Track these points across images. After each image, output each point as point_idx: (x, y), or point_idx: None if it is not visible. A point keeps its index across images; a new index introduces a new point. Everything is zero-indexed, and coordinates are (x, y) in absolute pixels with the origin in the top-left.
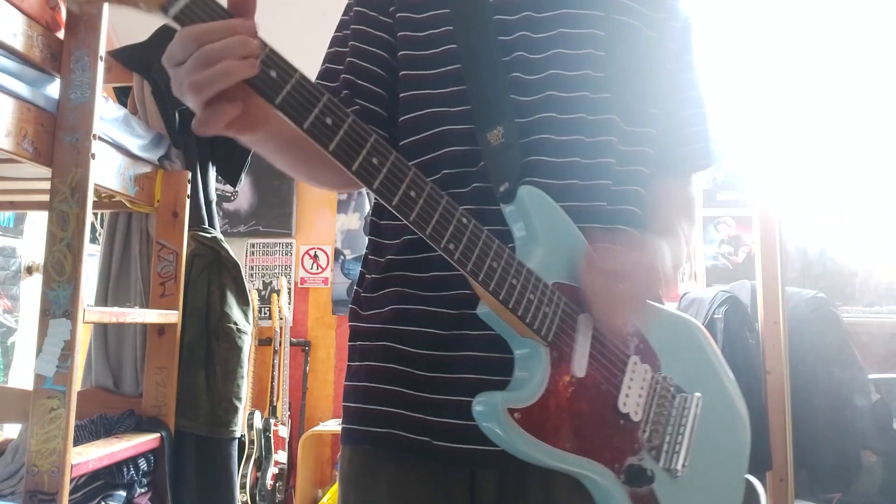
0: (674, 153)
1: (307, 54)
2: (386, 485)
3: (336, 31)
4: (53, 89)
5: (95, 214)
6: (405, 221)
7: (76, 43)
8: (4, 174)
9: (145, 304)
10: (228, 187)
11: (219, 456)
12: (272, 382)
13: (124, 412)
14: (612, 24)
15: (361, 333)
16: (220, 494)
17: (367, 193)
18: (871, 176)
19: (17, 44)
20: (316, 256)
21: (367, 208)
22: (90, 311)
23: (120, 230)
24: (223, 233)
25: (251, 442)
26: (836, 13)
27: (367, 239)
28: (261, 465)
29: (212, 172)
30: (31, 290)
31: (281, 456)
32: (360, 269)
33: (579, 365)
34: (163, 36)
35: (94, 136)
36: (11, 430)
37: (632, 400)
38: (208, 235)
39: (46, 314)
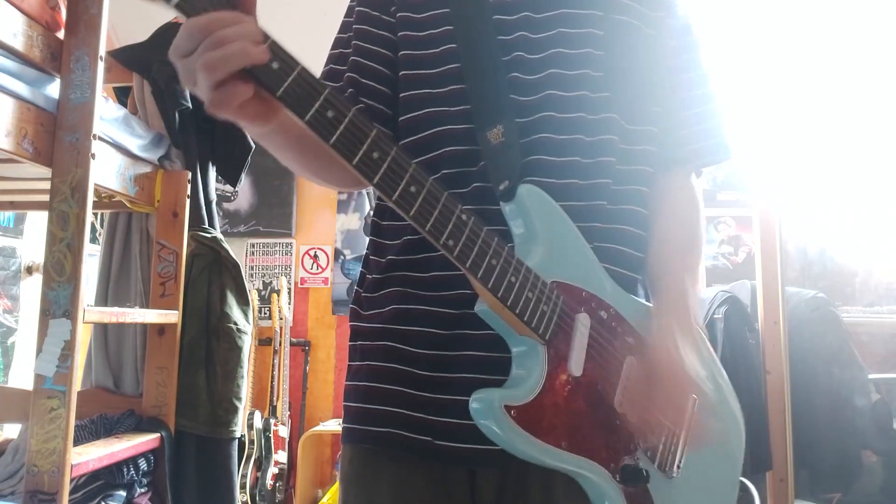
0: (674, 153)
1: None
2: (387, 484)
3: (339, 33)
4: (53, 89)
5: (95, 214)
6: (405, 216)
7: (76, 43)
8: (4, 174)
9: (145, 304)
10: (228, 187)
11: (219, 456)
12: (272, 382)
13: (124, 412)
14: (610, 24)
15: (362, 333)
16: (220, 494)
17: (368, 194)
18: (871, 176)
19: (17, 44)
20: (316, 256)
21: (367, 208)
22: (90, 311)
23: (120, 230)
24: (223, 233)
25: (251, 442)
26: (836, 13)
27: (367, 239)
28: (261, 465)
29: (212, 172)
30: (31, 290)
31: (281, 456)
32: (360, 269)
33: (576, 364)
34: (163, 36)
35: (94, 136)
36: (11, 430)
37: (628, 400)
38: (208, 235)
39: (46, 314)
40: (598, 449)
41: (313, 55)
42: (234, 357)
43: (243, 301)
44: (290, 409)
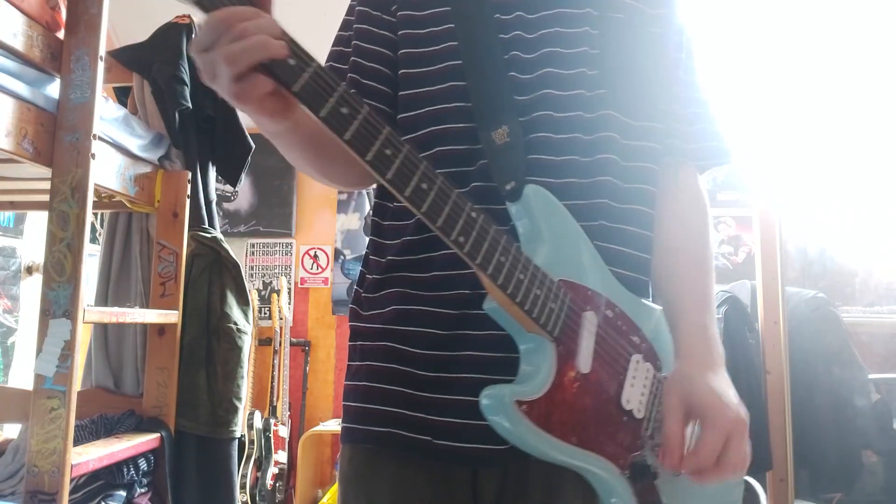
0: (677, 148)
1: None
2: (387, 484)
3: (339, 31)
4: (53, 89)
5: (95, 214)
6: (416, 212)
7: (76, 43)
8: (4, 174)
9: (145, 304)
10: (228, 187)
11: (219, 456)
12: (272, 382)
13: (125, 412)
14: (607, 22)
15: (362, 333)
16: (220, 494)
17: (368, 194)
18: (870, 176)
19: (17, 44)
20: (316, 256)
21: (367, 208)
22: (90, 311)
23: (120, 230)
24: (223, 233)
25: (251, 442)
26: (836, 13)
27: (367, 239)
28: (261, 465)
29: (212, 172)
30: (31, 290)
31: (281, 456)
32: (360, 269)
33: (584, 361)
34: (163, 36)
35: (94, 136)
36: (11, 430)
37: (634, 397)
38: (208, 235)
39: (46, 314)
40: (607, 445)
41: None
42: (234, 357)
43: (243, 301)
44: (290, 409)
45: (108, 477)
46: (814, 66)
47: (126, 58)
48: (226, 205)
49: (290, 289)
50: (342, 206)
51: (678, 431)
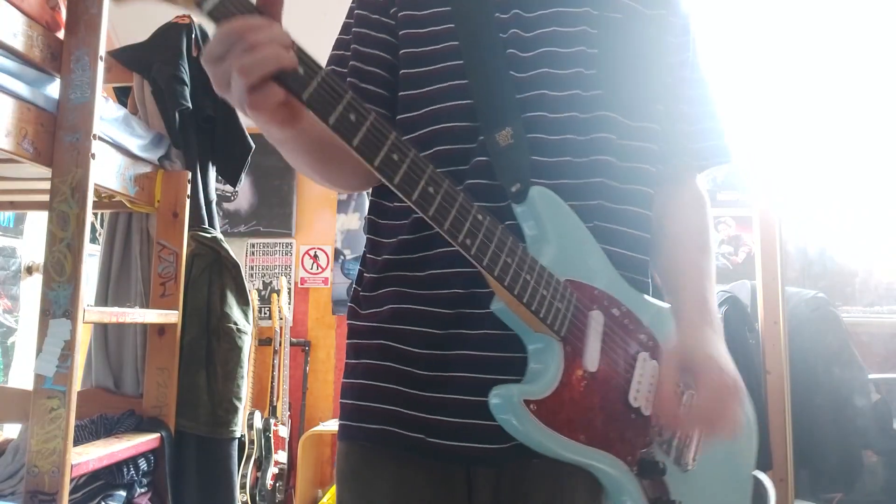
0: (676, 150)
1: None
2: (382, 481)
3: (340, 33)
4: (53, 89)
5: (95, 214)
6: (423, 216)
7: (76, 43)
8: (4, 174)
9: (145, 305)
10: (228, 187)
11: (219, 456)
12: (272, 382)
13: (124, 412)
14: (605, 22)
15: (359, 332)
16: (220, 494)
17: (368, 194)
18: (870, 176)
19: (17, 44)
20: (316, 256)
21: (367, 208)
22: (90, 311)
23: (120, 230)
24: (223, 233)
25: (251, 442)
26: (836, 13)
27: (366, 238)
28: (261, 465)
29: (212, 172)
30: (31, 290)
31: (281, 456)
32: (358, 267)
33: (591, 360)
34: (163, 36)
35: (94, 136)
36: (11, 430)
37: (642, 395)
38: (208, 235)
39: (46, 314)
40: (615, 442)
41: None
42: (234, 357)
43: (243, 301)
44: (290, 409)
45: (108, 477)
46: (814, 66)
47: (126, 58)
48: (226, 205)
49: (290, 289)
50: (342, 206)
51: (672, 391)
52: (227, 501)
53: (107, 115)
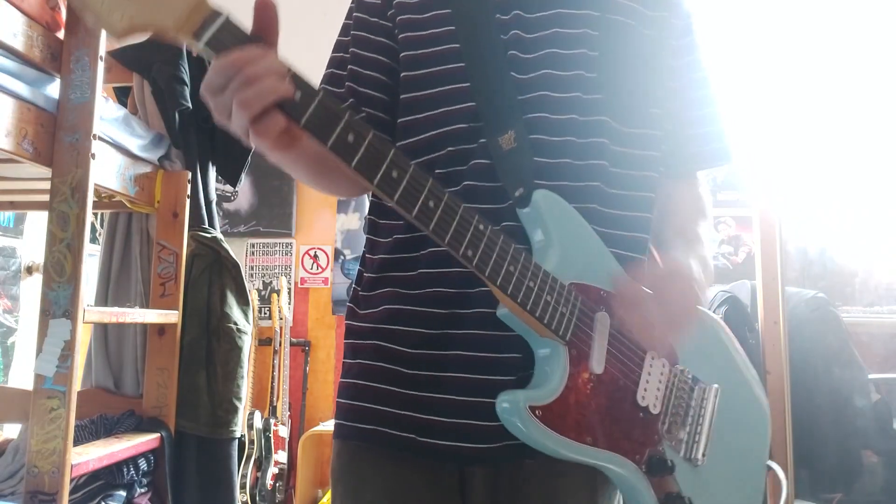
0: (676, 156)
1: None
2: (374, 480)
3: (339, 35)
4: (53, 89)
5: (95, 214)
6: (424, 230)
7: (76, 43)
8: (4, 174)
9: (145, 305)
10: (228, 187)
11: (219, 456)
12: (272, 382)
13: (124, 412)
14: (606, 24)
15: (356, 332)
16: (221, 494)
17: (368, 194)
18: (870, 176)
19: (17, 44)
20: (316, 256)
21: (367, 208)
22: (90, 311)
23: (120, 230)
24: (223, 233)
25: (251, 442)
26: (836, 13)
27: (365, 238)
28: (261, 465)
29: (212, 172)
30: (31, 290)
31: (281, 456)
32: (358, 267)
33: (598, 362)
34: None
35: (94, 136)
36: (11, 430)
37: (650, 393)
38: (208, 235)
39: (46, 314)
40: (622, 442)
41: (313, 55)
42: (234, 357)
43: (243, 301)
44: (290, 409)
45: (108, 477)
46: (814, 66)
47: (126, 58)
48: (226, 205)
49: (290, 289)
50: (342, 206)
51: (637, 287)
52: (227, 501)
53: (107, 115)
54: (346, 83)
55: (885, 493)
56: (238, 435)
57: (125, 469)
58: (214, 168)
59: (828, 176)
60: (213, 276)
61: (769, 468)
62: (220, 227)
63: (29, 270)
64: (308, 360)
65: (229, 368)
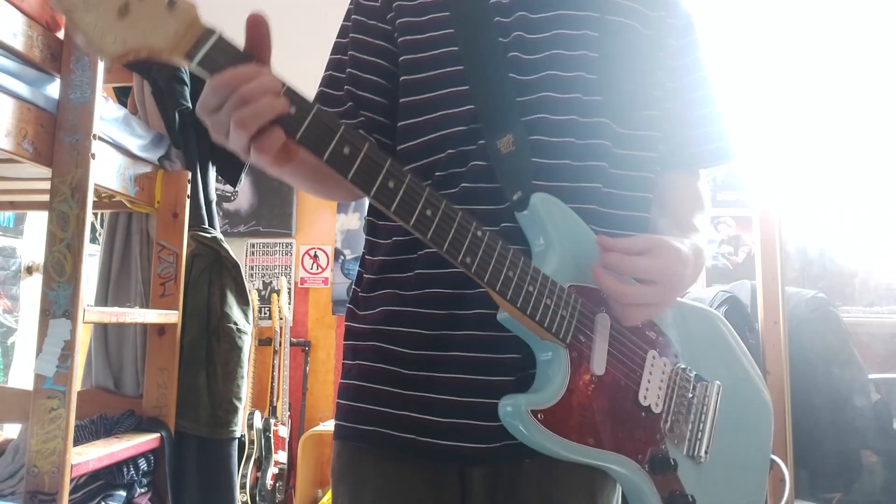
0: (676, 156)
1: (306, 54)
2: (373, 480)
3: (338, 38)
4: (53, 89)
5: (95, 214)
6: (422, 239)
7: (76, 43)
8: (4, 174)
9: (145, 305)
10: (228, 187)
11: (219, 456)
12: (272, 382)
13: (124, 412)
14: (606, 25)
15: (355, 333)
16: (221, 494)
17: None
18: (870, 176)
19: (17, 44)
20: (316, 256)
21: (367, 209)
22: (90, 311)
23: (120, 230)
24: (223, 233)
25: (251, 442)
26: (836, 13)
27: (365, 239)
28: (261, 465)
29: (212, 172)
30: (31, 290)
31: (281, 456)
32: (358, 268)
33: (599, 363)
34: None
35: (94, 136)
36: (11, 430)
37: (652, 393)
38: (208, 235)
39: (46, 314)
40: (625, 442)
41: (312, 55)
42: (234, 357)
43: (243, 301)
44: (290, 409)
45: (108, 477)
46: (814, 66)
47: None
48: (226, 205)
49: (290, 289)
50: (342, 206)
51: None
52: (227, 501)
53: (107, 115)
54: (346, 86)
55: (884, 493)
56: (238, 435)
57: (125, 469)
58: (214, 168)
59: (828, 176)
60: (213, 276)
61: (773, 463)
62: (220, 227)
63: (29, 270)
64: (308, 360)
65: (229, 368)
